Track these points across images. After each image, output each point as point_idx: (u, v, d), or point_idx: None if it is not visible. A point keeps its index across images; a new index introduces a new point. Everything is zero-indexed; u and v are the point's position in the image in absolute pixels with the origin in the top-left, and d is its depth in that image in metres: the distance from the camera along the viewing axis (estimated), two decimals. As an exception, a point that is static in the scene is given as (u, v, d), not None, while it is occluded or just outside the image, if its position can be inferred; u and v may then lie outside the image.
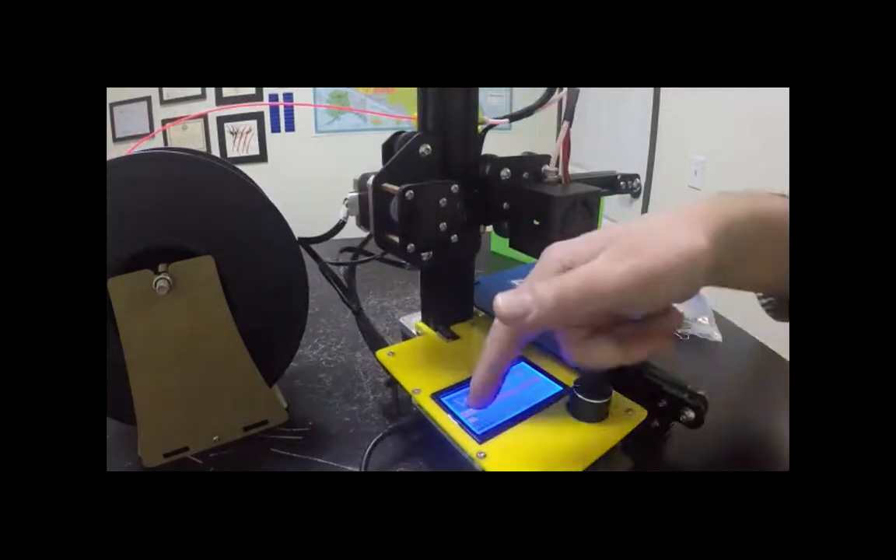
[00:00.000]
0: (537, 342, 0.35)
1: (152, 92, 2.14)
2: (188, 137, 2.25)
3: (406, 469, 0.33)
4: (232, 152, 2.30)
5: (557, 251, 0.25)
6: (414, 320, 0.41)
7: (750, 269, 0.27)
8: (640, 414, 0.29)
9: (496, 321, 0.26)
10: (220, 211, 0.32)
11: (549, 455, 0.26)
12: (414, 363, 0.34)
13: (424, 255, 0.32)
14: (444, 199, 0.31)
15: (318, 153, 2.38)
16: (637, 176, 0.43)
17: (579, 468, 0.25)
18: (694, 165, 1.54)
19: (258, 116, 2.30)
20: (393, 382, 0.35)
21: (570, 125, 0.31)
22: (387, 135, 0.35)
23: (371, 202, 0.31)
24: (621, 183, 0.42)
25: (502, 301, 0.23)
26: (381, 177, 0.30)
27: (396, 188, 0.29)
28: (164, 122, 2.16)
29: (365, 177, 0.31)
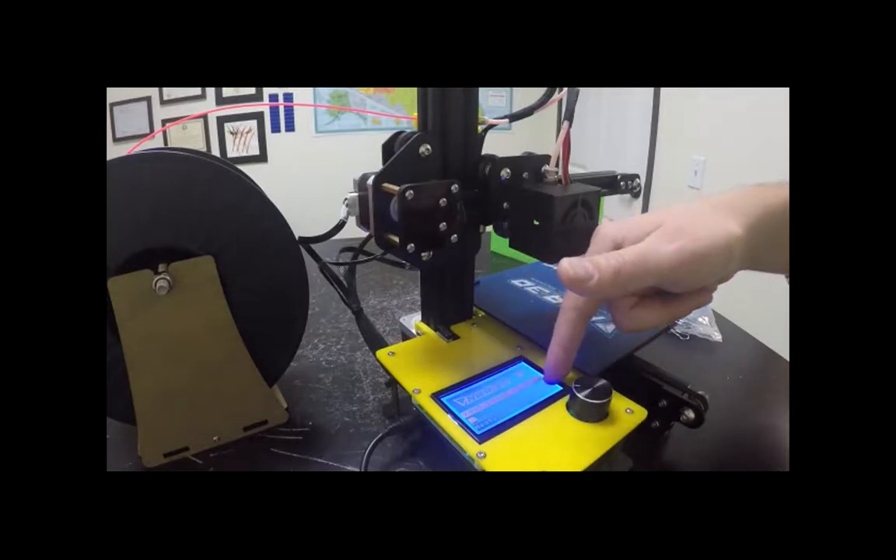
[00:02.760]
0: (537, 342, 0.35)
1: (152, 92, 2.14)
2: (188, 137, 2.25)
3: (406, 469, 0.33)
4: (232, 152, 2.30)
5: (609, 230, 0.28)
6: (414, 320, 0.41)
7: (781, 254, 0.29)
8: (640, 414, 0.29)
9: (564, 302, 0.29)
10: (220, 211, 0.32)
11: (549, 455, 0.26)
12: (414, 363, 0.34)
13: (424, 255, 0.32)
14: (444, 199, 0.31)
15: (318, 153, 2.38)
16: (637, 176, 0.43)
17: (579, 468, 0.25)
18: (694, 165, 1.54)
19: (258, 116, 2.30)
20: (393, 382, 0.35)
21: (570, 125, 0.30)
22: (387, 135, 0.35)
23: (371, 202, 0.31)
24: (621, 183, 0.42)
25: (568, 263, 0.25)
26: (381, 177, 0.30)
27: (396, 188, 0.29)
28: (164, 122, 2.16)
29: (365, 177, 0.31)
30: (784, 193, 0.28)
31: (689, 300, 0.27)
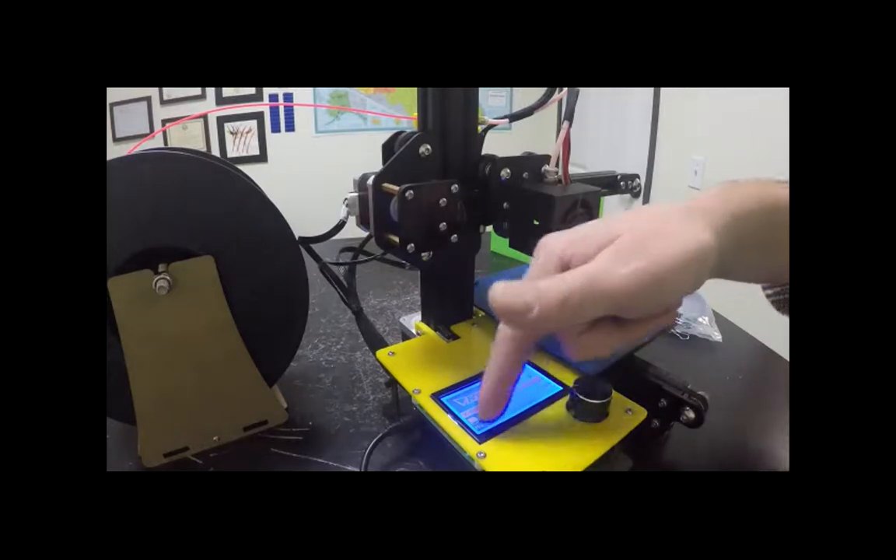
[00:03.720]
0: (537, 342, 0.35)
1: (152, 92, 2.14)
2: (188, 137, 2.25)
3: (406, 469, 0.33)
4: (232, 152, 2.30)
5: (555, 244, 0.24)
6: (414, 320, 0.41)
7: (753, 258, 0.27)
8: (640, 414, 0.29)
9: (500, 330, 0.25)
10: (220, 211, 0.32)
11: (549, 455, 0.26)
12: (414, 363, 0.34)
13: (424, 255, 0.32)
14: (444, 199, 0.31)
15: (318, 153, 2.38)
16: (637, 176, 0.43)
17: (579, 468, 0.25)
18: (694, 165, 1.54)
19: (258, 116, 2.30)
20: (393, 382, 0.35)
21: (570, 125, 0.30)
22: (387, 135, 0.35)
23: (371, 202, 0.31)
24: (621, 183, 0.42)
25: (501, 291, 0.21)
26: (381, 177, 0.30)
27: (396, 188, 0.29)
28: (164, 122, 2.16)
29: (365, 177, 0.31)
30: (759, 191, 0.26)
31: (649, 323, 0.23)
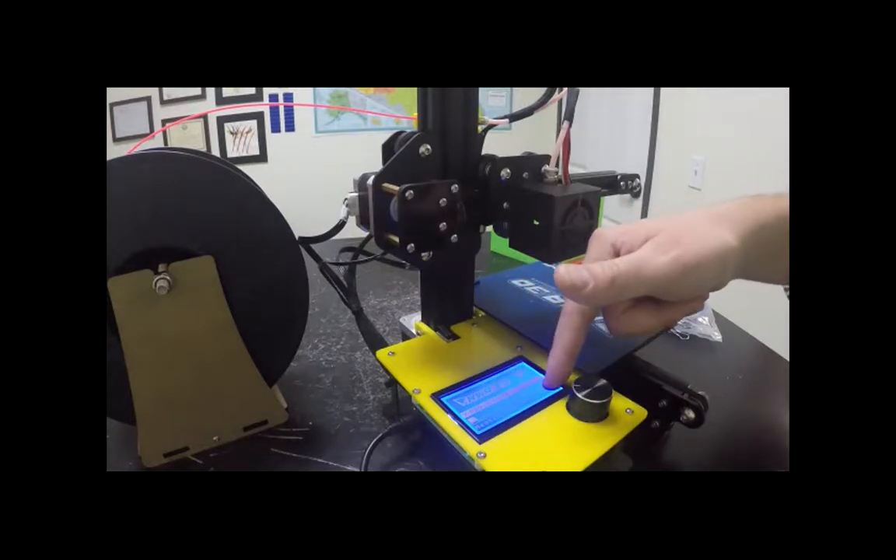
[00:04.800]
0: (537, 342, 0.35)
1: (152, 92, 2.14)
2: (188, 137, 2.25)
3: (406, 469, 0.33)
4: (232, 152, 2.30)
5: (608, 235, 0.28)
6: (414, 320, 0.41)
7: (776, 265, 0.30)
8: (640, 414, 0.29)
9: (566, 308, 0.29)
10: (220, 211, 0.32)
11: (549, 455, 0.26)
12: (414, 363, 0.34)
13: (424, 255, 0.32)
14: (444, 199, 0.31)
15: (318, 153, 2.38)
16: (637, 176, 0.43)
17: (579, 468, 0.25)
18: (694, 165, 1.54)
19: (258, 116, 2.30)
20: (393, 382, 0.35)
21: (570, 125, 0.30)
22: (387, 135, 0.35)
23: (371, 202, 0.31)
24: (621, 183, 0.42)
25: (564, 270, 0.25)
26: (381, 177, 0.30)
27: (396, 188, 0.29)
28: (164, 122, 2.16)
29: (365, 177, 0.31)
30: (779, 205, 0.29)
31: (682, 307, 0.28)
